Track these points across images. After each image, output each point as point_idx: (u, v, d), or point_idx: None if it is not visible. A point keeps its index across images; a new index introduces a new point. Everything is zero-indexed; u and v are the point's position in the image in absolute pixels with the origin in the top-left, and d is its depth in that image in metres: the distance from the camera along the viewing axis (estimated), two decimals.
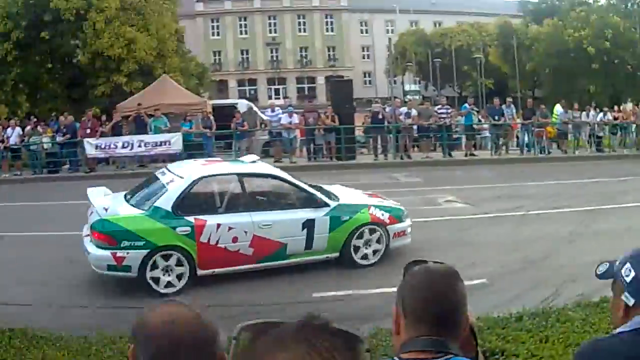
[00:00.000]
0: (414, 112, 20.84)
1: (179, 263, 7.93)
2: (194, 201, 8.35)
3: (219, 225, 8.09)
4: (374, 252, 8.90)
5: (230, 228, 8.13)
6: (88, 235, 8.10)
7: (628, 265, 1.89)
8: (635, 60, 36.62)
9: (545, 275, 8.30)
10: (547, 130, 22.33)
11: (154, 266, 7.82)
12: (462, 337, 1.71)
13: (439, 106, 21.47)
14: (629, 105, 28.63)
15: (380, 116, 20.64)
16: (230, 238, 8.14)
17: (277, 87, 58.61)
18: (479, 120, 22.43)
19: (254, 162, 9.55)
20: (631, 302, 1.84)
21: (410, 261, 1.78)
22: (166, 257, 7.88)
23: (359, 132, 22.32)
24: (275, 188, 9.09)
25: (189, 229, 7.97)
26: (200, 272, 8.04)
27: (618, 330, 1.86)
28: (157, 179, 8.79)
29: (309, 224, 8.54)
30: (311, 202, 8.71)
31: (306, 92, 58.03)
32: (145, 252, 7.78)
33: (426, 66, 50.76)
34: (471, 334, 1.75)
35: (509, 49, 42.45)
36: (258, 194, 8.98)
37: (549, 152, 21.64)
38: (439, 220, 11.82)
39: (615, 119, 23.80)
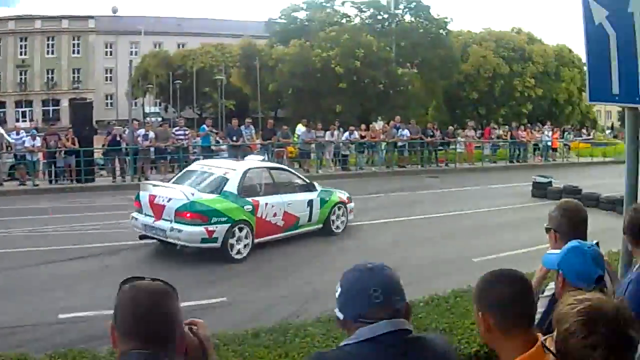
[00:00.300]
0: (151, 134, 21.94)
1: (246, 235, 11.22)
2: (247, 187, 11.80)
3: (266, 204, 11.82)
4: (342, 223, 13.59)
5: (272, 206, 11.95)
6: (175, 219, 10.74)
7: (338, 283, 2.16)
8: (387, 79, 39.75)
9: (289, 292, 8.87)
10: (288, 150, 23.84)
11: (232, 237, 10.96)
12: (184, 350, 1.94)
13: (177, 128, 22.97)
14: (378, 124, 31.12)
15: (118, 138, 21.73)
16: (273, 213, 11.96)
17: (24, 109, 61.14)
18: (217, 142, 23.29)
19: (264, 159, 15.63)
20: (341, 317, 2.13)
21: (126, 278, 1.94)
22: (240, 229, 11.13)
23: (98, 155, 23.02)
24: (288, 177, 13.41)
25: (250, 207, 11.48)
26: (256, 240, 11.45)
27: (343, 343, 2.12)
28: (205, 172, 12.10)
29: (310, 203, 12.89)
30: (309, 187, 13.24)
31: (51, 115, 59.42)
32: (227, 225, 10.92)
33: (167, 88, 53.33)
34: (200, 347, 1.98)
35: (251, 69, 44.11)
36: (280, 181, 12.88)
37: None
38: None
39: (363, 137, 25.68)
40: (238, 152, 22.12)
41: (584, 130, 48.08)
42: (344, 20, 44.92)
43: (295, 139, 24.78)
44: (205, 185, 11.52)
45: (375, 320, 2.08)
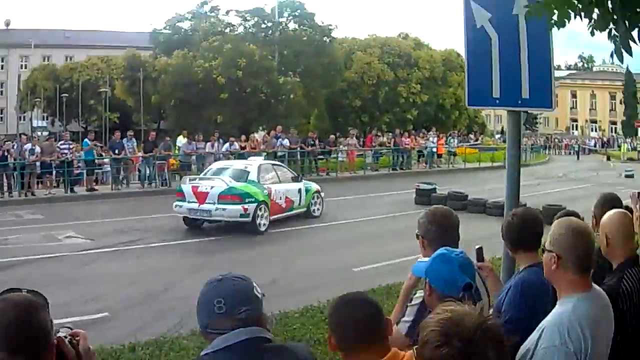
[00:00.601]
0: (37, 148, 23.14)
1: (265, 213, 16.63)
2: (262, 177, 17.55)
3: (276, 190, 17.43)
4: (318, 208, 19.27)
5: (279, 192, 17.55)
6: (218, 201, 16.03)
7: None
8: (269, 89, 41.38)
9: (168, 307, 9.34)
10: (170, 162, 25.40)
11: (257, 215, 16.32)
12: None
13: (62, 142, 24.36)
14: (259, 134, 33.27)
15: (6, 153, 22.48)
16: (279, 197, 17.51)
17: None
18: (100, 155, 24.94)
19: (266, 159, 22.61)
20: (198, 328, 2.46)
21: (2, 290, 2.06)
22: (261, 209, 16.49)
23: None
24: (284, 171, 19.48)
25: (267, 191, 17.01)
26: (270, 218, 16.82)
27: (203, 352, 2.38)
28: (228, 168, 18.14)
29: (300, 191, 18.52)
30: (298, 179, 19.23)
31: None
32: (255, 204, 16.29)
33: (55, 101, 55.00)
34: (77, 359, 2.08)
35: (135, 81, 45.19)
36: (281, 174, 18.66)
37: (170, 185, 24.30)
38: (59, 257, 13.09)
39: (243, 148, 27.56)
40: (120, 165, 23.93)
41: (471, 135, 50.81)
42: (227, 30, 45.90)
43: (176, 151, 26.20)
44: (233, 177, 17.11)
45: (221, 330, 2.32)
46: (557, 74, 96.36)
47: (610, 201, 4.52)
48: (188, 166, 25.97)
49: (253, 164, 18.18)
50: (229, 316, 2.30)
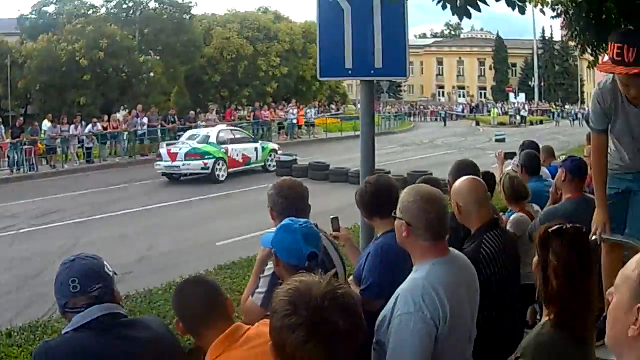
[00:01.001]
0: None
1: (223, 167, 22.43)
2: (220, 139, 23.06)
3: (232, 149, 22.97)
4: (273, 164, 23.88)
5: (235, 150, 23.08)
6: (184, 159, 21.88)
7: None
8: (130, 68, 41.75)
9: (42, 292, 9.16)
10: (38, 146, 25.77)
11: (216, 168, 22.02)
12: None
13: None
14: (121, 114, 33.94)
15: None
16: (236, 154, 23.08)
17: None
18: None
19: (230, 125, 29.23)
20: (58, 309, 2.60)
21: None
22: (219, 163, 22.28)
23: None
24: (242, 135, 25.35)
25: (224, 150, 22.66)
26: (229, 170, 22.50)
27: (63, 330, 2.55)
28: (196, 134, 24.29)
29: (256, 149, 24.18)
30: (254, 140, 25.67)
31: None
32: (212, 160, 22.08)
33: None
34: None
35: (3, 68, 44.43)
36: (238, 137, 24.28)
37: (37, 169, 24.99)
38: None
39: (105, 129, 28.34)
40: None
41: (332, 106, 51.75)
42: (90, 12, 45.61)
43: (42, 135, 26.54)
44: (197, 140, 23.08)
45: (78, 308, 2.46)
46: (422, 41, 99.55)
47: (464, 168, 4.51)
48: (53, 149, 26.28)
49: (213, 130, 24.55)
50: (83, 294, 2.45)
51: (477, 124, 55.54)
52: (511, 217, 4.97)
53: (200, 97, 49.70)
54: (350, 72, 5.16)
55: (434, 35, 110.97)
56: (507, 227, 4.62)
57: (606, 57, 3.80)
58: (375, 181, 3.78)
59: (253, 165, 24.05)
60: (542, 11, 8.48)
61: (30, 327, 5.95)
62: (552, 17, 8.18)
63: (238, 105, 44.82)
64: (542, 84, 79.29)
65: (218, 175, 22.25)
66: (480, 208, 3.60)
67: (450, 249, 2.97)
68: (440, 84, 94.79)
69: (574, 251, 2.67)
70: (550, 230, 2.76)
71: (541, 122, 61.55)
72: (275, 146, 26.08)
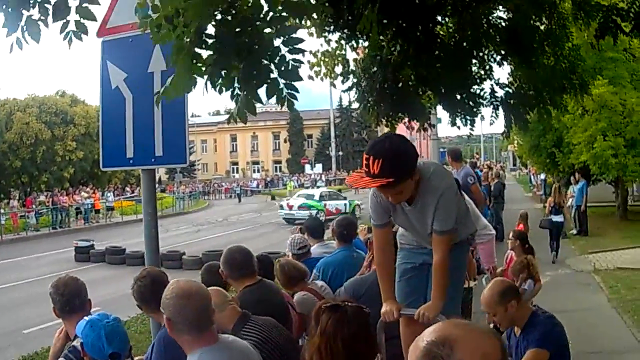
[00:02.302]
0: None
1: (322, 216, 31.05)
2: (321, 197, 36.35)
3: (329, 204, 35.59)
4: (358, 215, 32.24)
5: (331, 205, 35.33)
6: (297, 209, 33.79)
7: None
8: None
9: None
10: None
11: (318, 216, 28.93)
12: None
13: None
14: None
15: None
16: (332, 207, 34.90)
17: None
18: None
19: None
20: None
21: None
22: (319, 214, 31.55)
23: None
24: (336, 194, 40.38)
25: (323, 204, 34.76)
26: (327, 217, 29.03)
27: None
28: (305, 194, 38.50)
29: (346, 204, 35.99)
30: (345, 198, 38.52)
31: None
32: (316, 211, 32.59)
33: None
34: None
35: None
36: (333, 195, 38.84)
37: None
38: None
39: None
40: None
41: (127, 188, 51.48)
42: None
43: None
44: (306, 197, 35.93)
45: None
46: (215, 119, 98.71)
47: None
48: None
49: (317, 190, 40.05)
50: None
51: (273, 198, 54.76)
52: (295, 298, 4.96)
53: (3, 183, 48.65)
54: (131, 161, 5.09)
55: (228, 112, 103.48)
56: (296, 308, 4.78)
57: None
58: (149, 273, 3.87)
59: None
60: (332, 84, 8.56)
61: None
62: (343, 91, 8.02)
63: (38, 190, 44.05)
64: (341, 152, 79.67)
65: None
66: (222, 312, 3.51)
67: (224, 336, 3.07)
68: (234, 160, 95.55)
69: (351, 327, 2.63)
70: (324, 306, 2.76)
71: (339, 191, 60.60)
72: (359, 202, 35.35)
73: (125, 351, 3.19)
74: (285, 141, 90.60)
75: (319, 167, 77.08)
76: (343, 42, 7.42)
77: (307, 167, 79.35)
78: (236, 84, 3.51)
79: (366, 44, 7.50)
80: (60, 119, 52.16)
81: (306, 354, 2.81)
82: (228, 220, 37.39)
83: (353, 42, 7.44)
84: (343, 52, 8.10)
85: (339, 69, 8.20)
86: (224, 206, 50.65)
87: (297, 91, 3.49)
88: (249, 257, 4.43)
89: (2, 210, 32.96)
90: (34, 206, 35.87)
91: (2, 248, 27.55)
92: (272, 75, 3.44)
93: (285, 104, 3.50)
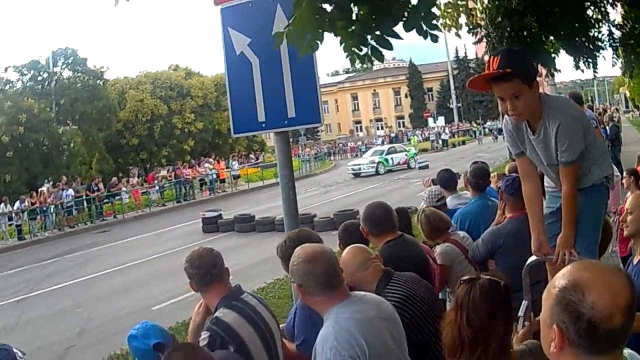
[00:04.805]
0: None
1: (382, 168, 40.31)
2: (388, 151, 44.54)
3: (392, 157, 42.70)
4: (415, 165, 40.97)
5: (393, 158, 42.44)
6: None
7: None
8: (50, 140, 41.36)
9: None
10: None
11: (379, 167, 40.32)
12: None
13: None
14: (45, 187, 33.67)
15: None
16: (394, 161, 42.31)
17: None
18: None
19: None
20: None
21: None
22: (380, 164, 40.66)
23: None
24: (398, 147, 48.36)
25: (388, 159, 42.06)
26: (388, 168, 40.88)
27: None
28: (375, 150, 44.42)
29: (407, 155, 44.61)
30: (404, 150, 46.08)
31: None
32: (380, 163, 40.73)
33: None
34: None
35: None
36: (397, 148, 46.93)
37: None
38: None
39: (32, 204, 28.50)
40: None
41: (251, 155, 52.21)
42: (7, 87, 45.42)
43: None
44: (375, 153, 42.38)
45: None
46: (335, 79, 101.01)
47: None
48: None
49: (385, 147, 44.31)
50: None
51: None
52: (437, 249, 5.13)
53: (120, 162, 49.65)
54: (264, 125, 5.14)
55: (347, 71, 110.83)
56: (438, 261, 4.99)
57: None
58: (295, 237, 3.89)
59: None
60: (457, 35, 8.41)
61: None
62: (474, 44, 8.04)
63: (158, 165, 44.86)
64: (461, 104, 79.92)
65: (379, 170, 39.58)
66: (366, 269, 3.63)
67: (354, 292, 3.11)
68: (357, 119, 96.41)
69: (485, 302, 2.68)
70: (463, 279, 2.83)
71: (464, 142, 62.82)
72: (415, 152, 43.98)
73: (167, 339, 3.34)
74: (406, 96, 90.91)
75: (441, 120, 76.19)
76: None
77: (430, 120, 78.31)
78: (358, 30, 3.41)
79: None
80: (176, 92, 52.60)
81: (443, 323, 2.84)
82: (357, 178, 37.57)
83: None
84: (465, 1, 8.12)
85: (462, 20, 8.17)
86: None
87: (437, 23, 3.48)
88: (389, 212, 4.49)
89: (124, 188, 33.36)
90: (156, 182, 36.90)
91: (126, 226, 28.54)
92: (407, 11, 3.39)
93: (428, 36, 3.42)
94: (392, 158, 41.35)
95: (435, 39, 3.39)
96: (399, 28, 3.41)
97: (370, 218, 4.45)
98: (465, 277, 2.84)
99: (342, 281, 3.05)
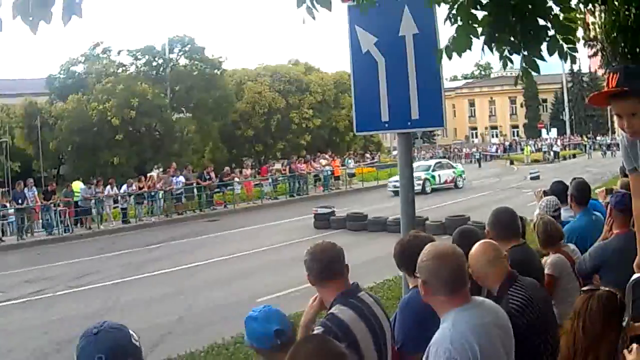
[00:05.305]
0: None
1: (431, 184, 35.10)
2: (434, 167, 36.87)
3: (439, 174, 36.33)
4: (461, 184, 37.00)
5: (440, 175, 35.99)
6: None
7: None
8: (163, 126, 41.93)
9: None
10: (71, 208, 25.79)
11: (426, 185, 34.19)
12: None
13: None
14: (155, 173, 33.81)
15: None
16: (442, 178, 36.14)
17: None
18: (4, 206, 25.21)
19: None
20: None
21: None
22: (427, 182, 34.47)
23: None
24: (445, 163, 40.14)
25: (434, 175, 35.62)
26: (434, 187, 35.06)
27: None
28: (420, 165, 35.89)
29: (454, 172, 37.83)
30: (452, 166, 40.61)
31: None
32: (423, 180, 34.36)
33: None
34: None
35: (33, 129, 44.86)
36: (441, 166, 37.91)
37: (72, 231, 25.07)
38: None
39: (140, 188, 28.32)
40: (24, 214, 24.33)
41: (367, 155, 51.78)
42: (120, 71, 45.88)
43: (76, 196, 26.41)
44: (420, 169, 33.46)
45: None
46: (453, 84, 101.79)
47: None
48: (87, 211, 26.31)
49: (432, 162, 37.46)
50: None
51: (512, 163, 56.27)
52: (548, 260, 5.08)
53: (234, 152, 49.99)
54: (387, 125, 5.16)
55: (465, 77, 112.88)
56: (546, 270, 4.88)
57: None
58: (408, 240, 3.92)
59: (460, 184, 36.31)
60: (574, 48, 9.02)
61: None
62: (590, 57, 8.77)
63: (273, 158, 45.06)
64: (573, 117, 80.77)
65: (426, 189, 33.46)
66: (494, 267, 3.74)
67: (474, 297, 3.13)
68: (473, 125, 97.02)
69: (602, 312, 2.83)
70: (584, 289, 3.04)
71: (574, 156, 62.61)
72: (462, 169, 39.06)
73: (287, 327, 3.29)
74: (521, 105, 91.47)
75: (553, 132, 75.41)
76: (581, 5, 6.71)
77: (543, 131, 77.04)
78: (505, 46, 3.89)
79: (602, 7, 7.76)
80: (295, 87, 52.11)
81: (561, 332, 3.04)
82: (470, 185, 38.07)
83: (590, 5, 7.19)
84: (583, 15, 7.91)
85: (579, 33, 7.45)
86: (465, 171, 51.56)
87: (575, 46, 3.98)
88: (515, 217, 4.72)
89: (237, 179, 33.18)
90: (269, 174, 36.70)
91: (235, 216, 28.49)
92: (549, 33, 3.86)
93: (568, 59, 4.01)
94: (439, 175, 35.37)
95: (574, 60, 4.04)
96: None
97: (498, 222, 4.59)
98: (586, 288, 3.09)
99: (467, 284, 3.08)
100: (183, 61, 47.97)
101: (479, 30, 3.71)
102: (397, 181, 29.12)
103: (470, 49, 3.69)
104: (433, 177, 34.56)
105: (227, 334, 8.68)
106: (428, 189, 33.11)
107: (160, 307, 12.56)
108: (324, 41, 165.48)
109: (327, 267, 3.57)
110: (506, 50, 3.79)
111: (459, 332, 2.87)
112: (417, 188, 28.95)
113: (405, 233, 4.53)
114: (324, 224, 21.60)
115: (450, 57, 3.75)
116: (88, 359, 2.22)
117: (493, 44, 3.79)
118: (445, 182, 35.19)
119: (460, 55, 3.81)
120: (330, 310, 3.46)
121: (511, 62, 3.89)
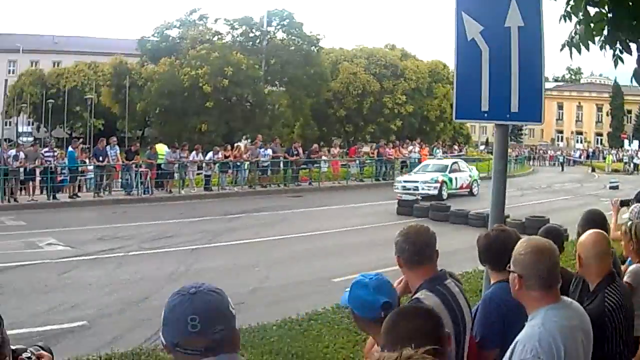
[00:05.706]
0: (21, 154, 23.09)
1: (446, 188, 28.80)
2: (451, 169, 29.71)
3: (456, 177, 29.95)
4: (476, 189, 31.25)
5: (457, 178, 29.72)
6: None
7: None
8: (255, 98, 41.79)
9: (146, 316, 9.11)
10: (153, 171, 25.60)
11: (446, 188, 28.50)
12: None
13: (46, 149, 24.65)
14: (243, 144, 33.69)
15: None
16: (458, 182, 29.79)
17: None
18: (84, 162, 24.97)
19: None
20: (163, 342, 2.21)
21: None
22: (444, 185, 28.44)
23: None
24: (460, 165, 31.29)
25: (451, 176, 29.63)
26: (450, 191, 28.98)
27: None
28: (431, 164, 31.03)
29: (471, 175, 30.81)
30: (470, 170, 32.17)
31: None
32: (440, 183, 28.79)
33: (40, 107, 55.67)
34: None
35: (121, 88, 45.56)
36: (456, 167, 30.36)
37: (152, 193, 24.81)
38: (39, 264, 12.95)
39: (226, 157, 27.89)
40: (104, 171, 24.15)
41: (455, 146, 50.20)
42: (215, 38, 45.92)
43: (160, 159, 26.23)
44: (435, 169, 29.09)
45: (192, 350, 2.07)
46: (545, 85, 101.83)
47: (592, 221, 4.68)
48: (169, 174, 26.14)
49: (448, 162, 30.92)
50: (202, 335, 2.07)
51: (593, 170, 55.29)
52: (631, 268, 4.76)
53: (324, 130, 49.92)
54: (486, 115, 5.08)
55: (556, 80, 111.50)
56: (625, 278, 4.53)
57: None
58: (494, 233, 3.92)
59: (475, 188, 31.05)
60: None
61: (133, 354, 5.84)
62: None
63: (362, 140, 44.53)
64: None
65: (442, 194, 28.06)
66: (601, 262, 3.66)
67: (563, 297, 3.09)
68: (559, 128, 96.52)
69: None
70: None
71: None
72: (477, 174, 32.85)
73: (395, 300, 3.24)
74: (607, 114, 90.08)
75: (635, 144, 73.01)
76: None
77: (626, 142, 75.98)
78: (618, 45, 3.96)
79: None
80: (390, 72, 51.64)
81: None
82: (551, 187, 37.11)
83: None
84: None
85: None
86: (547, 173, 51.15)
87: None
88: (605, 222, 4.91)
89: (324, 157, 32.78)
90: (357, 156, 36.13)
91: (320, 194, 28.34)
92: None
93: None
94: (456, 178, 29.53)
95: None
96: None
97: (591, 224, 4.47)
98: None
99: (560, 282, 3.05)
100: (280, 35, 47.93)
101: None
102: (407, 181, 27.94)
103: (587, 48, 3.80)
104: (450, 179, 28.94)
105: (302, 310, 8.44)
106: (445, 194, 27.77)
107: (234, 278, 12.19)
108: (421, 28, 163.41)
109: (420, 250, 3.54)
110: (617, 50, 3.73)
111: (548, 331, 2.84)
112: (432, 191, 27.02)
113: (493, 224, 4.53)
114: (407, 211, 21.37)
115: (579, 51, 3.88)
116: (180, 319, 2.10)
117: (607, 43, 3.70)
118: (461, 187, 29.92)
119: (587, 49, 3.97)
120: (416, 295, 3.40)
121: (622, 61, 3.79)
